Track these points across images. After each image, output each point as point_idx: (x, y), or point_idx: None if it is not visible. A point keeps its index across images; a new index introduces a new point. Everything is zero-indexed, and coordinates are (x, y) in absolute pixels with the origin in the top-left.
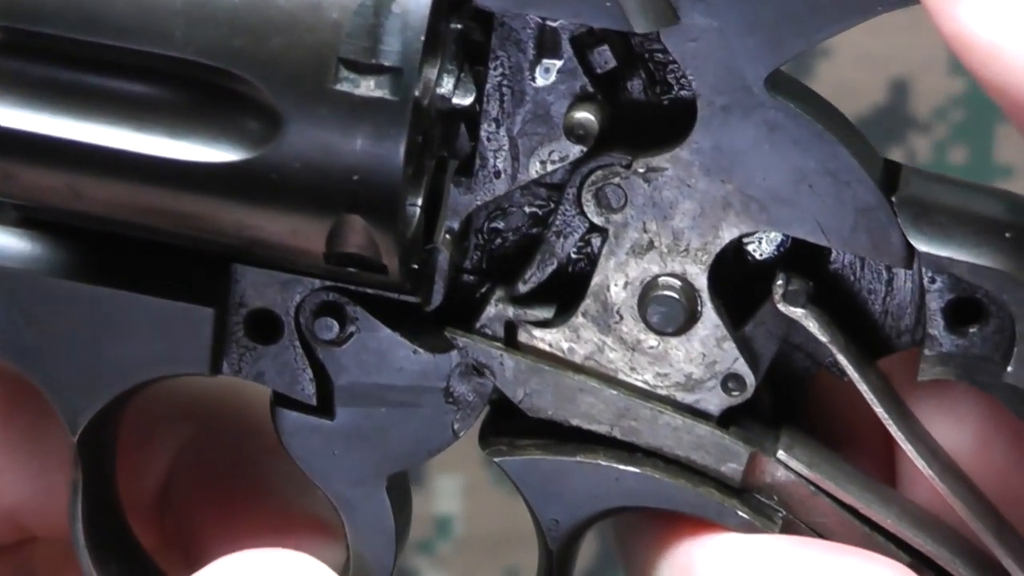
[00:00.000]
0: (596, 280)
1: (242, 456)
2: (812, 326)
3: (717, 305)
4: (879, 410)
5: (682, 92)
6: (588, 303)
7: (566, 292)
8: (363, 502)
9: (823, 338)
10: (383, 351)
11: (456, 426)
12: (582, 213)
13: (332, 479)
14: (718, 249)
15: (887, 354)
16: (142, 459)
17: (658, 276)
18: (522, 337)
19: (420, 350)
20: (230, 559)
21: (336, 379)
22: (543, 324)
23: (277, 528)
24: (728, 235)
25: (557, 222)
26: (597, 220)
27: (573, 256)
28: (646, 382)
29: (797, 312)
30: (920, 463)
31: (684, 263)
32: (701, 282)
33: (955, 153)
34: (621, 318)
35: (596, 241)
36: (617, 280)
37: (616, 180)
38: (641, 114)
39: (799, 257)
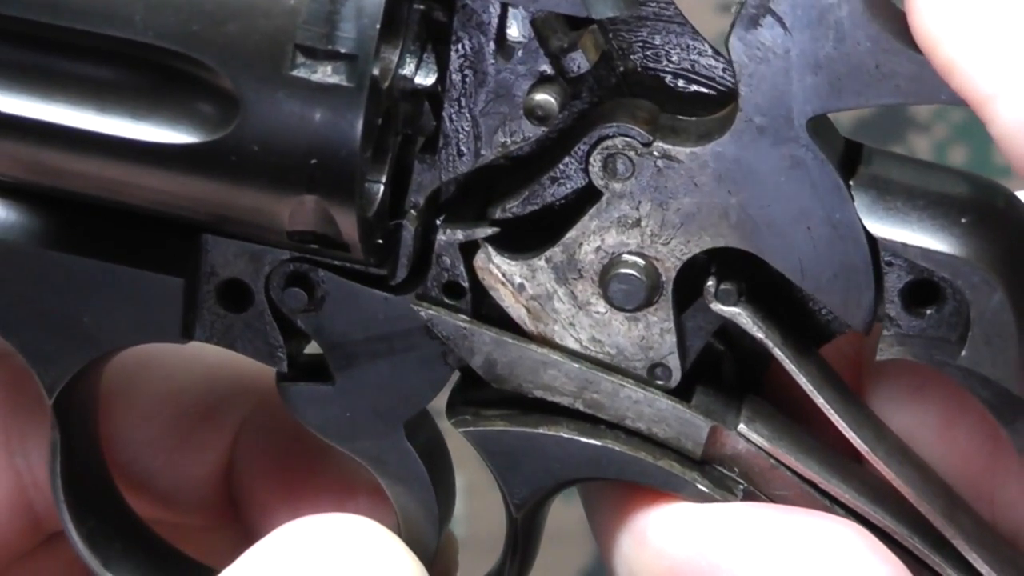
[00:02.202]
0: (572, 234)
1: (301, 428)
2: (745, 323)
3: (674, 301)
4: (819, 400)
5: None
6: (556, 251)
7: (534, 234)
8: (389, 454)
9: (758, 334)
10: (358, 306)
11: (449, 357)
12: (584, 171)
13: (352, 440)
14: (698, 251)
15: (831, 339)
16: (206, 436)
17: (632, 253)
18: (479, 260)
19: (390, 296)
20: (292, 525)
21: (324, 344)
22: (505, 251)
23: (337, 496)
24: (713, 243)
25: (556, 170)
26: (598, 182)
27: (556, 204)
28: (579, 341)
29: (729, 311)
30: (864, 448)
31: (661, 252)
32: (669, 275)
33: (955, 153)
34: (580, 276)
35: (583, 199)
36: (592, 241)
37: (630, 153)
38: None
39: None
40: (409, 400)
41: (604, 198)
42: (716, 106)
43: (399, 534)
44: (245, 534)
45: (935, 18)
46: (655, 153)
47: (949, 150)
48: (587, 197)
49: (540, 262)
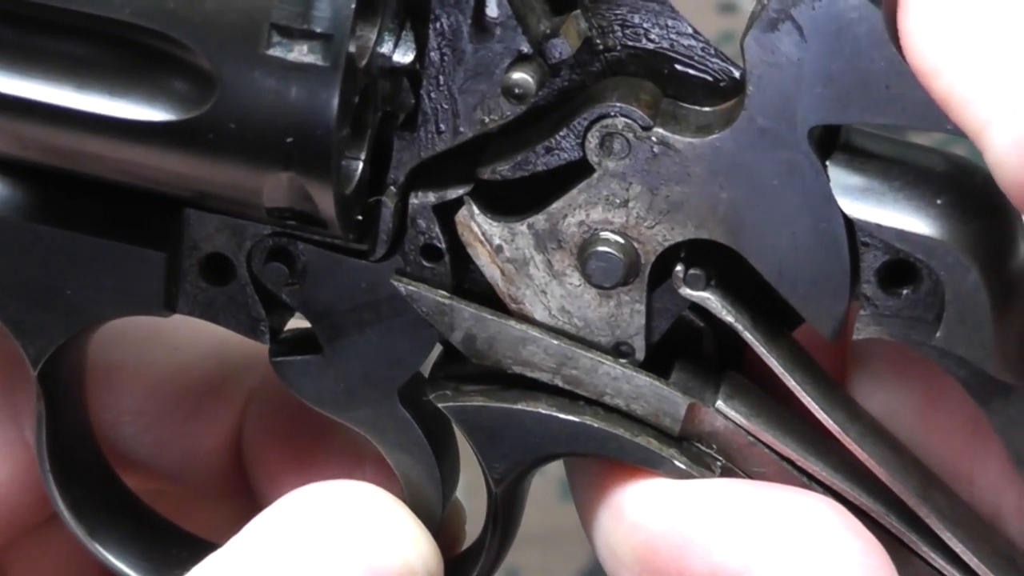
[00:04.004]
0: (558, 204)
1: None
2: (714, 307)
3: (649, 284)
4: (790, 383)
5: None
6: (539, 218)
7: (519, 199)
8: (386, 422)
9: (727, 318)
10: (340, 277)
11: None
12: (580, 145)
13: (349, 410)
14: (680, 239)
15: (804, 322)
16: (215, 408)
17: (614, 232)
18: (460, 215)
19: (371, 264)
20: (297, 492)
21: (310, 316)
22: (488, 211)
23: (345, 465)
24: (696, 233)
25: (551, 140)
26: (592, 159)
27: (546, 173)
28: (548, 309)
29: (698, 296)
30: (835, 428)
31: (644, 235)
32: (649, 259)
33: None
34: (559, 247)
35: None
36: (577, 214)
37: (629, 135)
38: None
39: None
40: (400, 365)
41: (596, 174)
42: (709, 92)
43: (405, 502)
44: (255, 504)
45: (931, 49)
46: (653, 138)
47: (948, 150)
48: (578, 171)
49: (522, 227)
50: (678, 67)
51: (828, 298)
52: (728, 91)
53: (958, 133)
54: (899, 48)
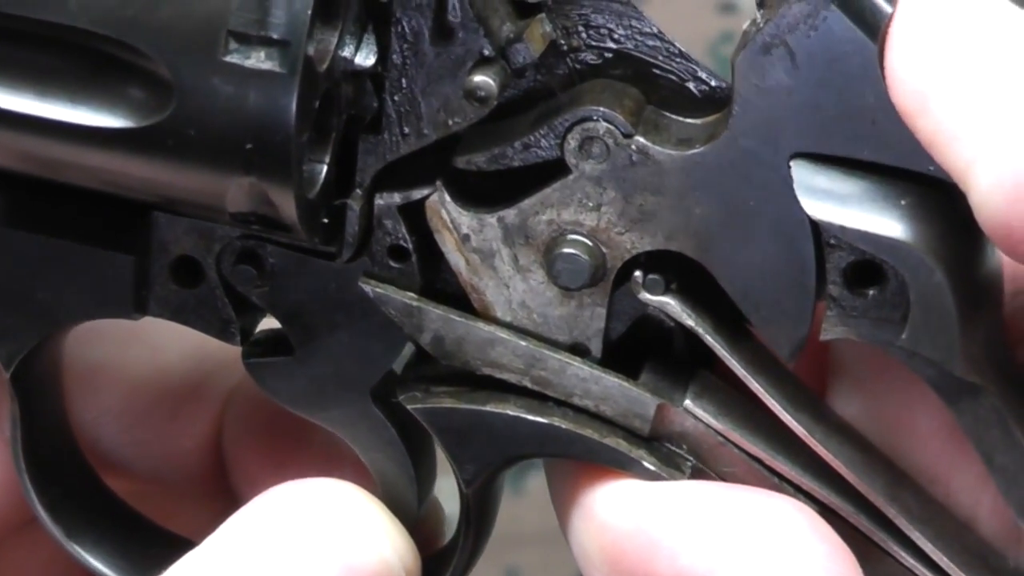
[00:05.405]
0: (530, 201)
1: None
2: (674, 312)
3: (612, 290)
4: (753, 385)
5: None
6: (510, 212)
7: (491, 192)
8: (360, 422)
9: (688, 322)
10: (309, 278)
11: None
12: (559, 145)
13: (322, 410)
14: (649, 249)
15: None
16: (193, 409)
17: (583, 235)
18: (431, 201)
19: (338, 266)
20: (272, 491)
21: (280, 318)
22: (459, 200)
23: (324, 465)
24: (665, 244)
25: (530, 137)
26: (570, 160)
27: (522, 169)
28: (509, 303)
29: (657, 300)
30: (800, 431)
31: (613, 240)
32: (615, 265)
33: None
34: (527, 243)
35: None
36: (548, 213)
37: (609, 140)
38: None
39: None
40: (372, 366)
41: (572, 176)
42: (692, 104)
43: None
44: (236, 505)
45: (916, 88)
46: (633, 146)
47: None
48: (554, 170)
49: (491, 219)
50: (657, 72)
51: (789, 323)
52: (710, 103)
53: (940, 175)
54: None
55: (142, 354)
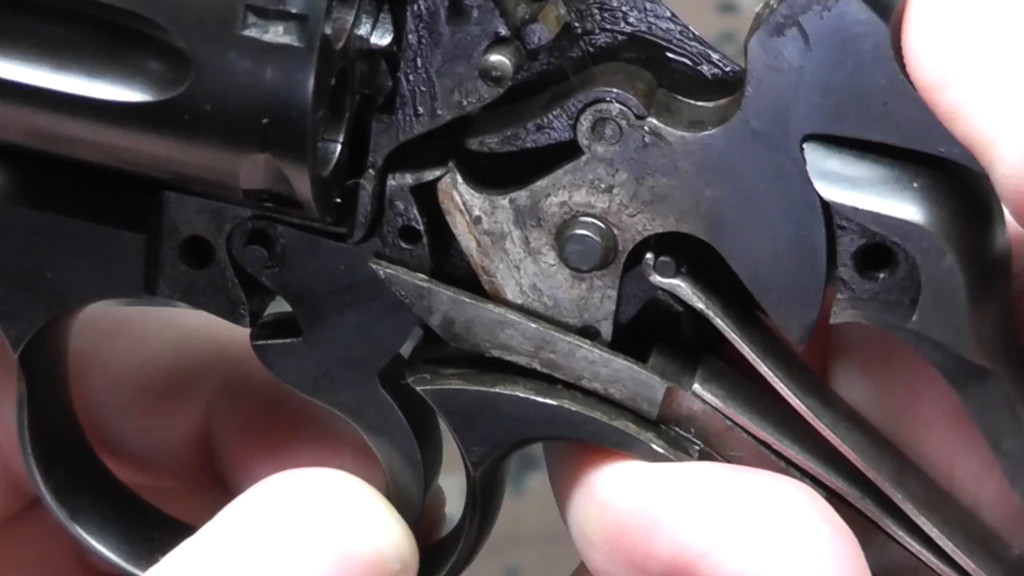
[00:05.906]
0: (542, 183)
1: (279, 389)
2: (684, 294)
3: (623, 272)
4: (762, 368)
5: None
6: (522, 194)
7: (503, 173)
8: (367, 405)
9: (698, 305)
10: (319, 260)
11: None
12: (571, 126)
13: (329, 393)
14: (661, 231)
15: None
16: (178, 401)
17: (595, 217)
18: (443, 183)
19: (350, 246)
20: (271, 479)
21: (290, 299)
22: (471, 182)
23: (321, 454)
24: (677, 227)
25: (543, 118)
26: (582, 142)
27: (534, 151)
28: (519, 285)
29: (668, 283)
30: (808, 415)
31: (625, 222)
32: (627, 247)
33: None
34: (539, 225)
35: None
36: (560, 195)
37: (622, 122)
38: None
39: None
40: (380, 348)
41: (584, 157)
42: (704, 87)
43: (386, 489)
44: (225, 497)
45: (937, 62)
46: (646, 128)
47: None
48: (567, 152)
49: (503, 201)
50: (670, 56)
51: (799, 306)
52: (722, 87)
53: (951, 157)
54: (902, 68)
55: (126, 345)
